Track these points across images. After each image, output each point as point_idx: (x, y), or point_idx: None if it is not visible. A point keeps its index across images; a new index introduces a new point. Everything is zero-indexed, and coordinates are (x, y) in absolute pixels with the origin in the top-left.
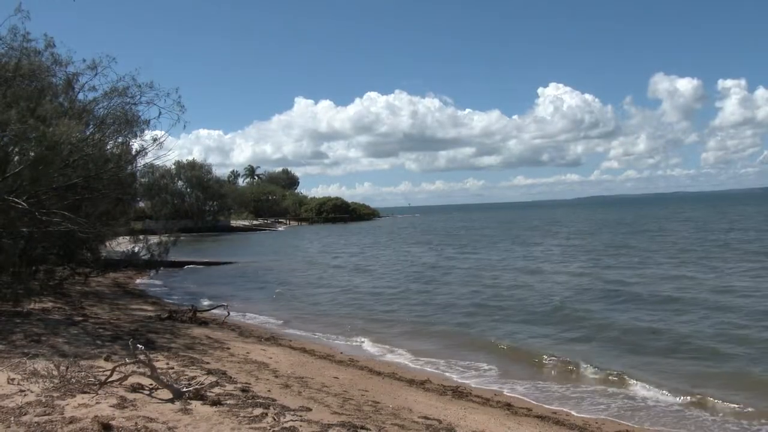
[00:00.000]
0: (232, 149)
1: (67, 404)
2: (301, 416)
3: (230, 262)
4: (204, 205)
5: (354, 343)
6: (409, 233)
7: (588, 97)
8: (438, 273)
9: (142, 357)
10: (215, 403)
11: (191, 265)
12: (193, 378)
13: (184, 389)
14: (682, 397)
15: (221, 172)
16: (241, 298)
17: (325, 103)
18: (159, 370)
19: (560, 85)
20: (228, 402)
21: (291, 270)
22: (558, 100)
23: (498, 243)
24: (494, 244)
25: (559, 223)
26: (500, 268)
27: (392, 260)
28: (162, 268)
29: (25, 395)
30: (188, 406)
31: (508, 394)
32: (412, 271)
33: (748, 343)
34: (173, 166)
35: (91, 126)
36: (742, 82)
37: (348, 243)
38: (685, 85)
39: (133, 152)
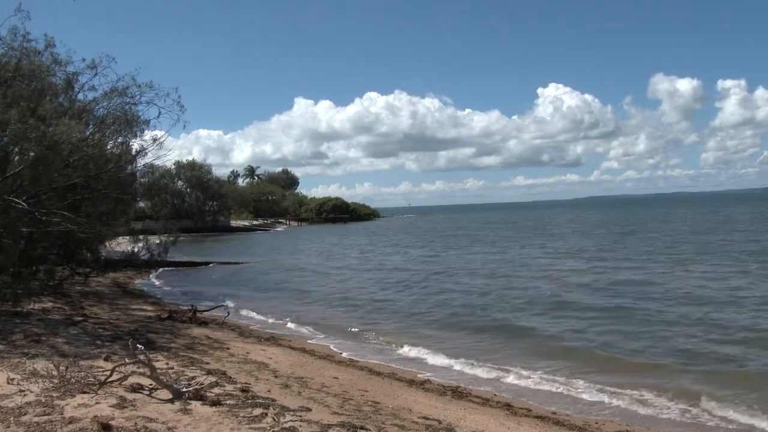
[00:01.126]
0: (232, 149)
1: (67, 404)
2: (300, 416)
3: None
4: (204, 206)
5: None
6: (397, 235)
7: (588, 97)
8: (399, 275)
9: (141, 357)
10: (215, 403)
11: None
12: (193, 378)
13: (184, 389)
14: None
15: (221, 172)
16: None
17: (325, 104)
18: (159, 371)
19: (560, 86)
20: (228, 402)
21: (263, 271)
22: (558, 100)
23: (476, 245)
24: (470, 245)
25: (548, 224)
26: (463, 271)
27: (359, 263)
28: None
29: (24, 395)
30: (188, 407)
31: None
32: (372, 275)
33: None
34: (173, 167)
35: (91, 126)
36: (742, 82)
37: (336, 244)
38: (685, 85)
39: (133, 152)
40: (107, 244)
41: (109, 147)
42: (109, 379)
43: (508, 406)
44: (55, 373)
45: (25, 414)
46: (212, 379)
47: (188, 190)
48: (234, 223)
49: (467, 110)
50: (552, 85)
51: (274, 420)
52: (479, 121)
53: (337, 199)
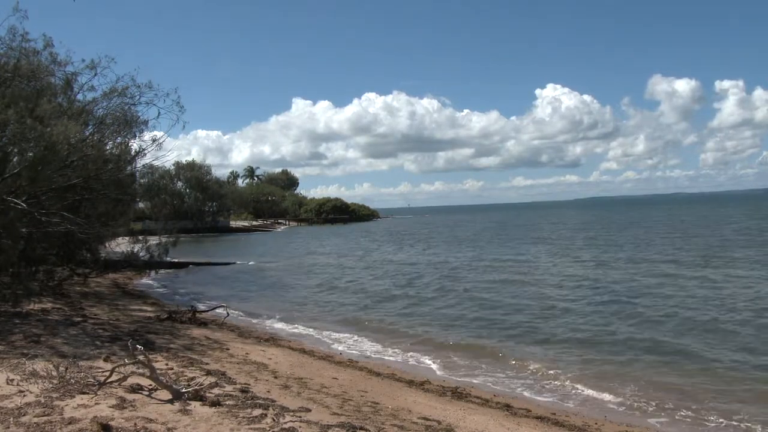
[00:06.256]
0: (231, 150)
1: (67, 405)
2: (300, 417)
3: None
4: (203, 206)
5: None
6: (382, 236)
7: (587, 98)
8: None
9: (141, 358)
10: (214, 403)
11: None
12: (193, 379)
13: (184, 390)
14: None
15: (220, 172)
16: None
17: (324, 104)
18: (158, 371)
19: (558, 86)
20: (227, 403)
21: (263, 271)
22: (556, 101)
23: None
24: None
25: (530, 226)
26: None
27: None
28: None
29: (24, 396)
30: (187, 407)
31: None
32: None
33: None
34: (172, 167)
35: (90, 126)
36: (740, 83)
37: (323, 244)
38: (683, 86)
39: (133, 153)
40: (107, 244)
41: (108, 147)
42: (109, 380)
43: (507, 407)
44: (54, 373)
45: (24, 414)
46: (212, 379)
47: (188, 190)
48: (234, 223)
49: (466, 111)
50: (550, 86)
51: (274, 420)
52: (478, 121)
53: (336, 199)
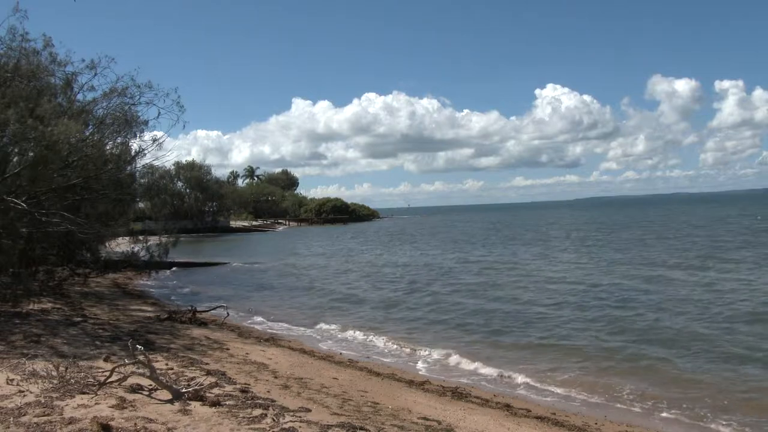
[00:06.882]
0: (231, 150)
1: (66, 405)
2: (300, 417)
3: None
4: (203, 206)
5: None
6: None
7: (586, 98)
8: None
9: (141, 358)
10: (214, 403)
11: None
12: (193, 379)
13: (184, 390)
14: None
15: (220, 172)
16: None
17: (323, 104)
18: (158, 371)
19: (558, 86)
20: (227, 403)
21: (261, 271)
22: (556, 101)
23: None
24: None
25: (529, 227)
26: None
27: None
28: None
29: (24, 396)
30: (187, 407)
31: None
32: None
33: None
34: (173, 167)
35: (90, 126)
36: (740, 83)
37: (323, 245)
38: (683, 86)
39: (133, 153)
40: (107, 244)
41: (108, 147)
42: (109, 380)
43: (507, 407)
44: (54, 373)
45: (24, 414)
46: (212, 379)
47: (188, 190)
48: (233, 223)
49: (465, 111)
50: (550, 86)
51: (274, 420)
52: (478, 121)
53: (336, 199)
